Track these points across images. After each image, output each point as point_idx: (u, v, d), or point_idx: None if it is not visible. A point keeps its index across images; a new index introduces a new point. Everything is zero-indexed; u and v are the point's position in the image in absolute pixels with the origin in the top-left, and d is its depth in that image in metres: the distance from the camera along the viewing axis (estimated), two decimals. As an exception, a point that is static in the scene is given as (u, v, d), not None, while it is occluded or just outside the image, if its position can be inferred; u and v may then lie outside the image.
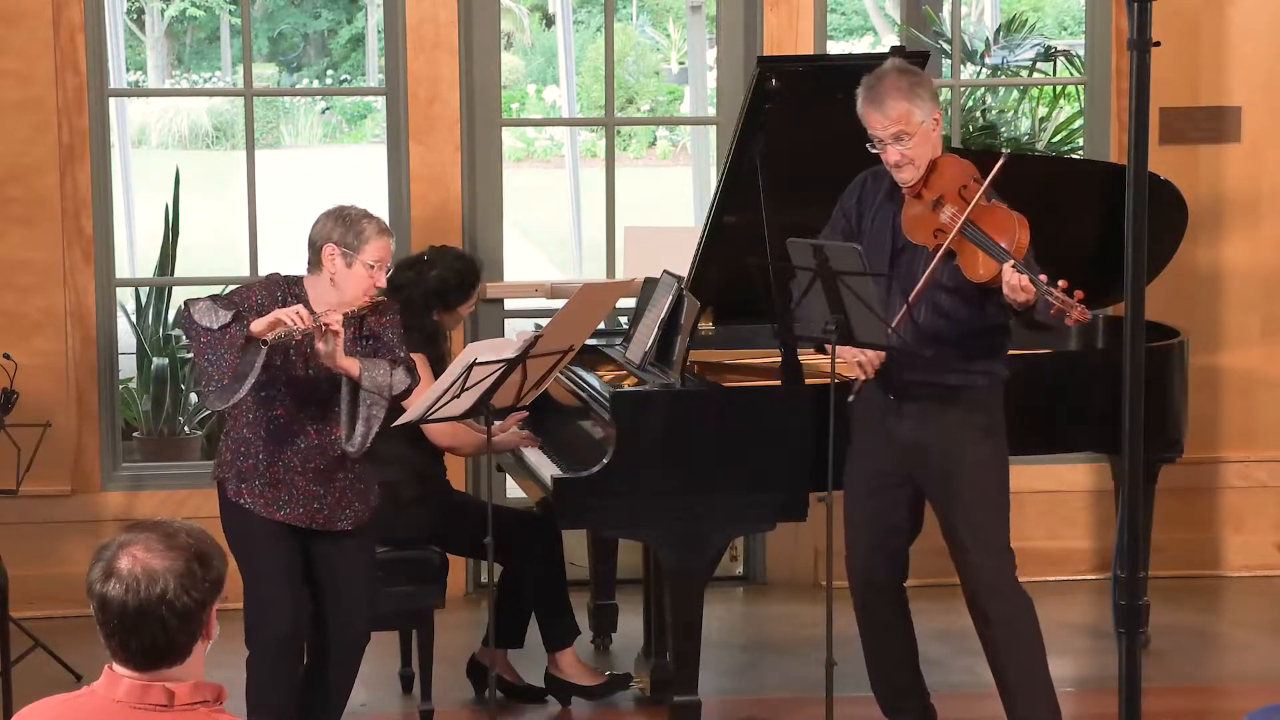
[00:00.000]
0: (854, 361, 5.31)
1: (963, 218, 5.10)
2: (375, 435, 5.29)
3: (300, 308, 5.15)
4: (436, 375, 5.95)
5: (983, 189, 5.13)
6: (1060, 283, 4.92)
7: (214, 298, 5.28)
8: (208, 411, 5.52)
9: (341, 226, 5.29)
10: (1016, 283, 4.98)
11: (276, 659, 5.32)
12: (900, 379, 5.36)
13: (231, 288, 5.42)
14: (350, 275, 5.28)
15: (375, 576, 5.63)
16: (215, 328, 5.13)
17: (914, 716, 5.66)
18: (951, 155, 5.32)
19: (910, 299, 5.19)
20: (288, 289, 5.33)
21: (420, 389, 5.86)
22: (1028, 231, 5.10)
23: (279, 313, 5.11)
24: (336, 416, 5.26)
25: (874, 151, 5.28)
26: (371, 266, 5.28)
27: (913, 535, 5.53)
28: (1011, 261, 5.01)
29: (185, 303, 5.25)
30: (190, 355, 5.24)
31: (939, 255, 5.14)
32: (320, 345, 5.16)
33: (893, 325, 5.16)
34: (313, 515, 5.33)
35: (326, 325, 5.13)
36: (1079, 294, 4.91)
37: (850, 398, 5.33)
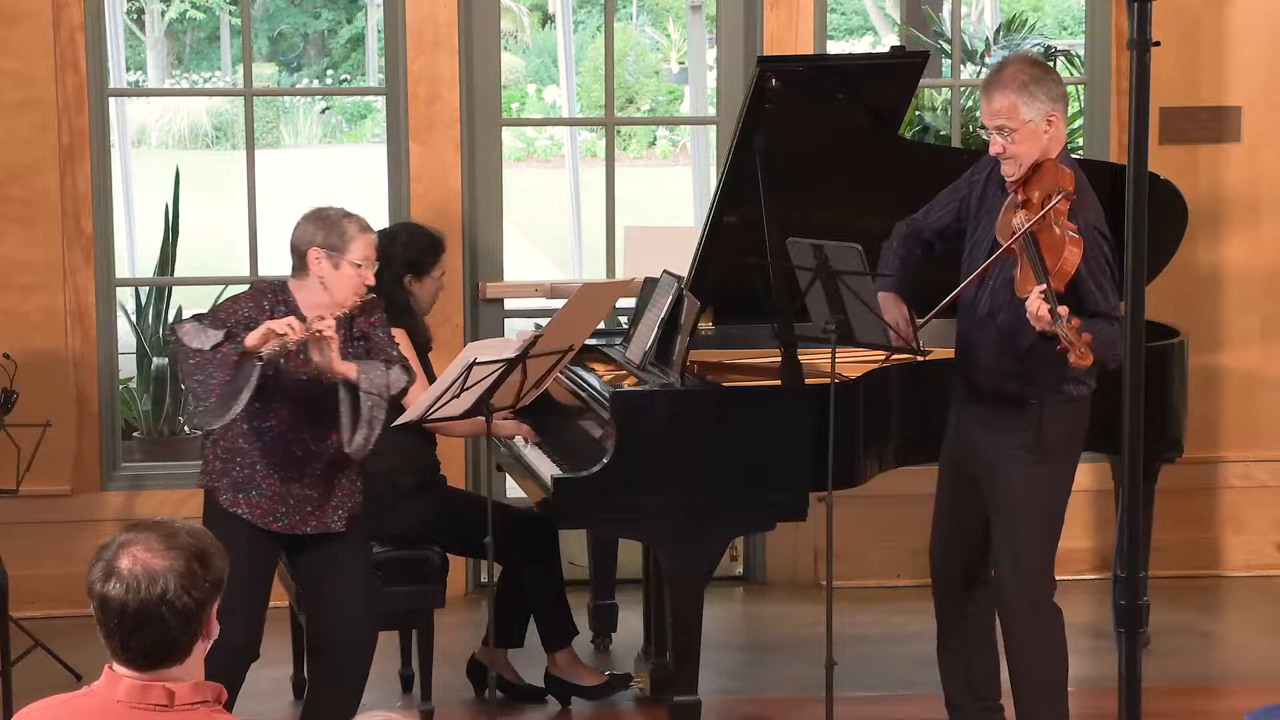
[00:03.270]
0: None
1: (1028, 227, 5.01)
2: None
3: (292, 318, 5.12)
4: (416, 348, 5.97)
5: (1066, 203, 5.02)
6: (1073, 320, 4.84)
7: (199, 317, 5.23)
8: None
9: (324, 229, 5.27)
10: (1034, 310, 4.89)
11: (220, 674, 5.27)
12: (968, 379, 5.33)
13: (222, 300, 5.38)
14: (339, 277, 5.27)
15: (373, 576, 5.63)
16: (207, 348, 5.10)
17: (970, 715, 5.59)
18: (1055, 162, 5.16)
19: (956, 291, 5.12)
20: (275, 297, 5.31)
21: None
22: (1077, 259, 4.98)
23: (270, 324, 5.08)
24: (331, 422, 5.24)
25: (982, 134, 5.24)
26: (359, 265, 5.26)
27: (988, 535, 5.39)
28: (1043, 288, 4.91)
29: (172, 326, 5.21)
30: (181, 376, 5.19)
31: (994, 257, 5.08)
32: (315, 354, 5.15)
33: (944, 302, 5.14)
34: (306, 520, 5.32)
35: (319, 332, 5.11)
36: (1086, 336, 4.81)
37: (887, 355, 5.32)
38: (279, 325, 5.07)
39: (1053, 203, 5.02)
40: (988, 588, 5.49)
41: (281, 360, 5.16)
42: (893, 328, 5.28)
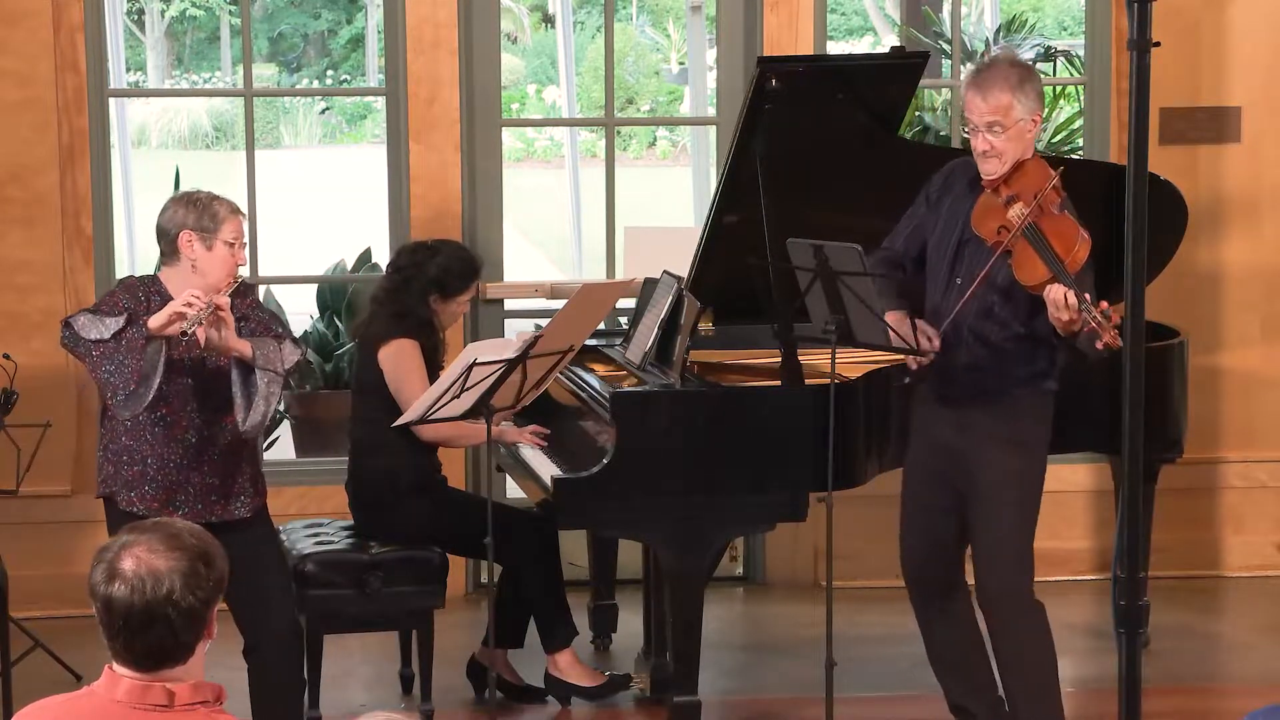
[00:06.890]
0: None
1: (1027, 217, 5.03)
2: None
3: (194, 290, 5.07)
4: (428, 363, 5.97)
5: (1057, 195, 5.06)
6: (1101, 304, 4.85)
7: (89, 310, 5.20)
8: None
9: (195, 211, 5.23)
10: (1060, 298, 4.90)
11: None
12: (941, 378, 5.34)
13: (101, 298, 5.30)
14: (212, 257, 5.22)
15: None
16: (107, 337, 5.07)
17: (976, 715, 5.61)
18: (1040, 159, 5.23)
19: (967, 295, 5.14)
20: (149, 289, 5.25)
21: (410, 376, 5.88)
22: (1088, 249, 5.01)
23: (173, 305, 5.03)
24: (224, 404, 5.19)
25: (965, 135, 5.25)
26: (230, 244, 5.23)
27: (962, 535, 5.44)
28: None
29: (64, 321, 5.18)
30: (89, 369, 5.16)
31: (998, 253, 5.09)
32: (212, 332, 5.08)
33: (950, 317, 5.14)
34: (211, 508, 5.26)
35: (218, 307, 5.05)
36: (1115, 318, 4.82)
37: (906, 379, 5.32)
38: (180, 304, 5.01)
39: (1048, 185, 5.06)
40: (966, 590, 5.54)
41: (168, 345, 5.09)
42: (904, 338, 5.26)
